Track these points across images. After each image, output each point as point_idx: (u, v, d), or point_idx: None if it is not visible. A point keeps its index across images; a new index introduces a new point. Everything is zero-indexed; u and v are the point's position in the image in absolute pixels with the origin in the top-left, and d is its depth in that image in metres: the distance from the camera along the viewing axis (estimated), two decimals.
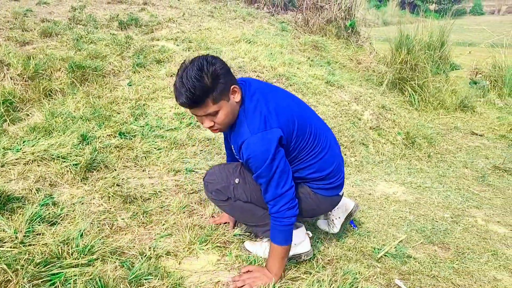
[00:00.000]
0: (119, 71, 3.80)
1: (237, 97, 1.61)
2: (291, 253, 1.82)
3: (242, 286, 1.66)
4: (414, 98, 4.97)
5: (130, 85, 3.61)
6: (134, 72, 3.80)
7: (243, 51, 4.41)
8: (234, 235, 2.01)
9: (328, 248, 2.11)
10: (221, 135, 3.14)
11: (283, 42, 5.16)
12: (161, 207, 2.20)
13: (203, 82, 1.48)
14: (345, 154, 3.45)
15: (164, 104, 3.43)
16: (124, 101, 3.38)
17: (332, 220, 2.14)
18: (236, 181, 1.82)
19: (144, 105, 3.37)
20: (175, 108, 3.38)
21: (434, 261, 2.15)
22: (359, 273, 1.87)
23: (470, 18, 21.17)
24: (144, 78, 3.73)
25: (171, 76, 3.76)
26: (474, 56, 8.19)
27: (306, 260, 1.91)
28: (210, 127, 1.63)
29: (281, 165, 1.60)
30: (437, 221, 2.63)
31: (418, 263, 2.10)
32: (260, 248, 1.91)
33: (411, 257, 2.12)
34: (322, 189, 1.84)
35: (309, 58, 5.03)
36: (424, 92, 5.01)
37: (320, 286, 1.70)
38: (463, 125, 4.79)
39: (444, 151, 4.15)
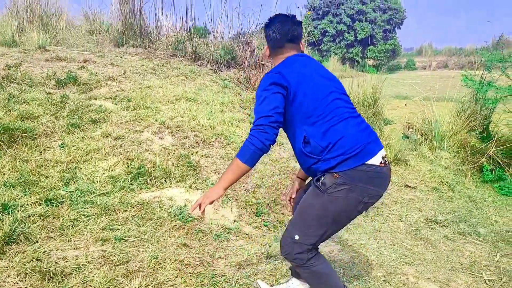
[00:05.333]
0: (52, 132, 3.69)
1: (266, 52, 2.24)
2: None
3: (197, 206, 1.91)
4: None
5: (63, 147, 3.50)
6: (68, 133, 3.70)
7: (182, 110, 4.44)
8: None
9: None
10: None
11: (224, 99, 5.25)
12: (83, 283, 2.09)
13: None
14: (282, 213, 3.47)
15: (98, 166, 3.34)
16: (55, 164, 3.26)
17: None
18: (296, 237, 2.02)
19: (75, 168, 3.26)
20: (108, 171, 3.30)
21: None
22: None
23: (405, 72, 22.78)
24: (78, 139, 3.64)
25: (107, 137, 3.69)
26: (409, 109, 8.71)
27: None
28: None
29: (270, 98, 1.89)
30: (369, 281, 2.66)
31: None
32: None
33: None
34: (342, 161, 1.88)
35: (249, 115, 5.13)
36: None
37: None
38: (398, 178, 4.99)
39: (380, 205, 4.28)
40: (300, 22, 2.14)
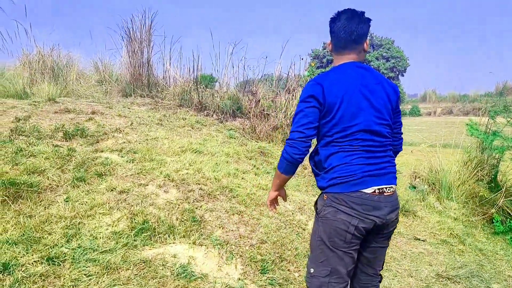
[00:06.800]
0: (57, 186, 3.69)
1: (329, 47, 2.21)
2: None
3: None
4: None
5: (67, 201, 3.49)
6: (73, 187, 3.70)
7: (188, 162, 4.45)
8: None
9: None
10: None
11: (229, 150, 5.27)
12: None
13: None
14: (288, 270, 3.38)
15: (101, 221, 3.31)
16: (58, 220, 3.23)
17: None
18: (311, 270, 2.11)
19: (79, 223, 3.23)
20: (112, 226, 3.26)
21: None
22: None
23: (410, 118, 22.94)
24: (83, 193, 3.63)
25: (112, 190, 3.69)
26: (415, 155, 8.70)
27: None
28: None
29: (305, 112, 1.99)
30: None
31: None
32: None
33: None
34: (333, 185, 1.98)
35: (255, 166, 5.13)
36: None
37: None
38: (406, 230, 4.89)
39: (389, 259, 4.17)
40: (369, 20, 2.11)
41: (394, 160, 2.18)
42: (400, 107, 2.41)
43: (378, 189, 1.97)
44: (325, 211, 2.02)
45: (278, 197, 2.33)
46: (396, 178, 2.13)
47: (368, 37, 2.18)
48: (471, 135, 5.79)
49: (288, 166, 2.05)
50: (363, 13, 2.10)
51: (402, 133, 2.35)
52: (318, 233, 2.06)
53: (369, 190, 1.96)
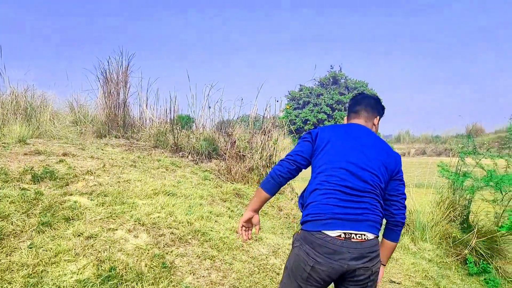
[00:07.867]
0: (22, 231, 3.55)
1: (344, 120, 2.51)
2: None
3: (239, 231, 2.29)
4: None
5: (31, 248, 3.34)
6: (38, 232, 3.56)
7: (160, 205, 4.36)
8: None
9: None
10: None
11: (203, 192, 5.21)
12: None
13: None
14: None
15: (66, 269, 3.17)
16: (20, 268, 3.08)
17: None
18: None
19: (42, 271, 3.09)
20: (77, 274, 3.13)
21: None
22: None
23: None
24: (48, 239, 3.50)
25: (79, 236, 3.56)
26: None
27: None
28: None
29: (299, 144, 2.25)
30: None
31: None
32: None
33: None
34: (305, 222, 2.07)
35: (229, 208, 5.07)
36: None
37: None
38: None
39: None
40: (383, 107, 2.43)
41: (378, 209, 2.08)
42: None
43: (345, 233, 1.94)
44: (295, 244, 2.11)
45: (253, 227, 2.31)
46: (376, 228, 2.03)
47: (381, 112, 2.44)
48: (443, 176, 5.89)
49: (269, 183, 2.17)
50: (379, 99, 2.45)
51: (405, 207, 2.23)
52: (288, 258, 2.14)
53: (333, 233, 1.94)
